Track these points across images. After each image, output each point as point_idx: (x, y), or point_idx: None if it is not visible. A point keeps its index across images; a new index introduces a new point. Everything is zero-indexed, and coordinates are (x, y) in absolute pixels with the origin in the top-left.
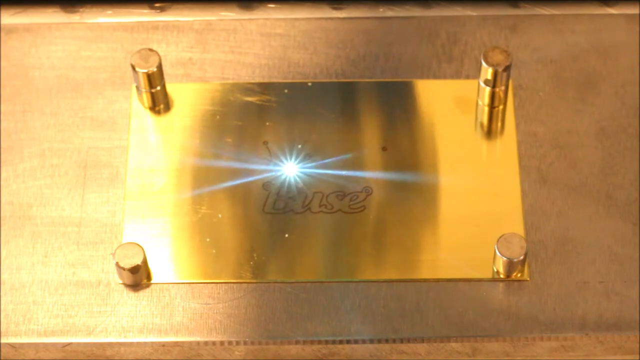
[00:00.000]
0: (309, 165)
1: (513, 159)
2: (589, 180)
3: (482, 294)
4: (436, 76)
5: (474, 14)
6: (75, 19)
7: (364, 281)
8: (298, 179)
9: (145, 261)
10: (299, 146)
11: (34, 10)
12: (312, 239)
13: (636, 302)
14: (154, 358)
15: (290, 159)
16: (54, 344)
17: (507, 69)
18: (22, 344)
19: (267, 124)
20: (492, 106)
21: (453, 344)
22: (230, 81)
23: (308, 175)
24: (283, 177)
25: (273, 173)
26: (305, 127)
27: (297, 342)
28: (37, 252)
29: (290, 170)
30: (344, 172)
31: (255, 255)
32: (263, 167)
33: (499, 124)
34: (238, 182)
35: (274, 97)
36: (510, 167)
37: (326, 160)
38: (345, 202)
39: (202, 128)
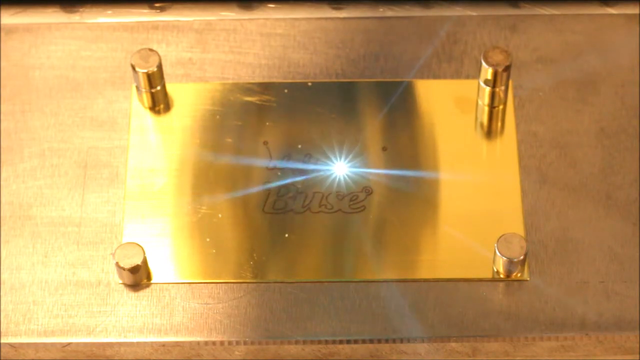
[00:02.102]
0: (308, 165)
1: (513, 158)
2: (589, 180)
3: (482, 294)
4: (436, 76)
5: (474, 14)
6: (75, 19)
7: (364, 281)
8: (298, 178)
9: (145, 261)
10: (299, 146)
11: (34, 10)
12: (312, 239)
13: (636, 302)
14: (154, 358)
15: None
16: (54, 344)
17: (507, 69)
18: (22, 344)
19: (267, 124)
20: (492, 106)
21: (453, 344)
22: (230, 81)
23: (308, 175)
24: (282, 177)
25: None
26: (305, 127)
27: (297, 342)
28: (37, 252)
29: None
30: (344, 172)
31: (255, 255)
32: (263, 167)
33: (499, 123)
34: (238, 182)
35: (274, 97)
36: (510, 167)
37: (326, 161)
38: (345, 202)
39: (202, 128)
